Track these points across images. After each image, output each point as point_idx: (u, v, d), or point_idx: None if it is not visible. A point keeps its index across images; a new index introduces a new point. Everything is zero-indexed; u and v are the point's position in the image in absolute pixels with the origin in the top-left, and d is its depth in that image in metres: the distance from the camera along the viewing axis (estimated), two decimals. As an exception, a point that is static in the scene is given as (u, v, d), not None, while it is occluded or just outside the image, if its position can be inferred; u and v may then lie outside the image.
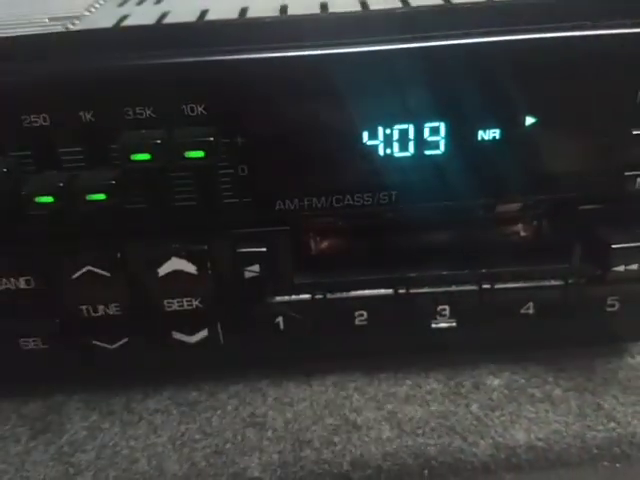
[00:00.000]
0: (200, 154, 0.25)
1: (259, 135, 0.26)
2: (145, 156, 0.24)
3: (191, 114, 0.25)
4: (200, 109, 0.25)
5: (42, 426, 0.32)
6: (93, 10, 0.34)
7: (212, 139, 0.25)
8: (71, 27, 0.30)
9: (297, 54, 0.26)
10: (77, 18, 0.32)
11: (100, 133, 0.25)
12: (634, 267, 0.27)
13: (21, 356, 0.31)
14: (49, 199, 0.25)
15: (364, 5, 0.30)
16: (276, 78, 0.26)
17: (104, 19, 0.31)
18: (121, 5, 0.34)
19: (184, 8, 0.31)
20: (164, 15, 0.30)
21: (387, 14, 0.29)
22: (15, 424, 0.32)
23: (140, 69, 0.25)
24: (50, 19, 0.33)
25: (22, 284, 0.29)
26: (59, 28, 0.31)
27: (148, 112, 0.25)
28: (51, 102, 0.25)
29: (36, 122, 0.25)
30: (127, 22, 0.30)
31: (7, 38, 0.27)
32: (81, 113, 0.25)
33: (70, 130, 0.25)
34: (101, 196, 0.25)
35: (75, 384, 0.34)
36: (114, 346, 0.31)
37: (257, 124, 0.26)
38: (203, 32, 0.27)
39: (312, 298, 0.30)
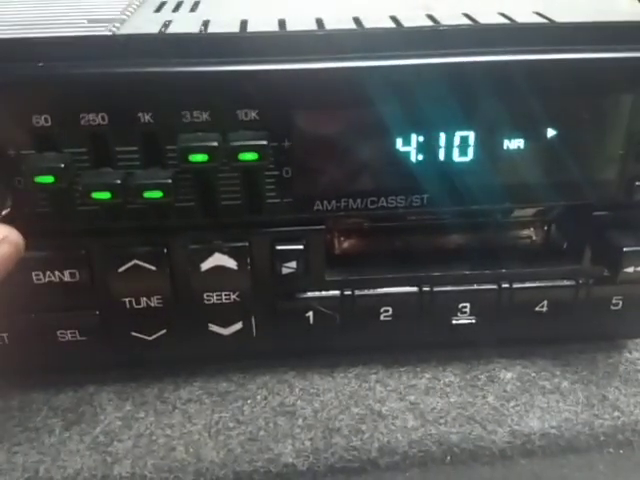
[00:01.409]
0: (254, 156, 0.26)
1: (304, 140, 0.28)
2: (202, 157, 0.26)
3: (245, 119, 0.27)
4: (253, 114, 0.27)
5: (75, 417, 0.33)
6: (129, 14, 0.35)
7: (265, 142, 0.26)
8: (116, 31, 0.31)
9: (338, 66, 0.27)
10: (118, 22, 0.33)
11: (157, 134, 0.27)
12: (643, 269, 0.30)
13: (57, 348, 0.32)
14: (106, 195, 0.26)
15: (396, 21, 0.32)
16: (320, 88, 0.27)
17: (146, 25, 0.32)
18: (157, 11, 0.35)
19: (223, 17, 0.33)
20: (206, 24, 0.31)
21: (418, 31, 0.31)
22: (47, 415, 0.33)
23: (199, 76, 0.26)
24: (89, 21, 0.34)
25: (67, 277, 0.30)
26: (103, 31, 0.32)
27: (205, 116, 0.26)
28: (111, 103, 0.26)
29: (94, 121, 0.26)
30: (171, 29, 0.31)
31: (65, 38, 0.28)
32: (140, 114, 0.26)
33: (128, 130, 0.26)
34: (158, 194, 0.26)
35: (105, 375, 0.35)
36: (152, 337, 0.32)
37: (302, 129, 0.28)
38: (252, 43, 0.28)
39: (341, 294, 0.32)
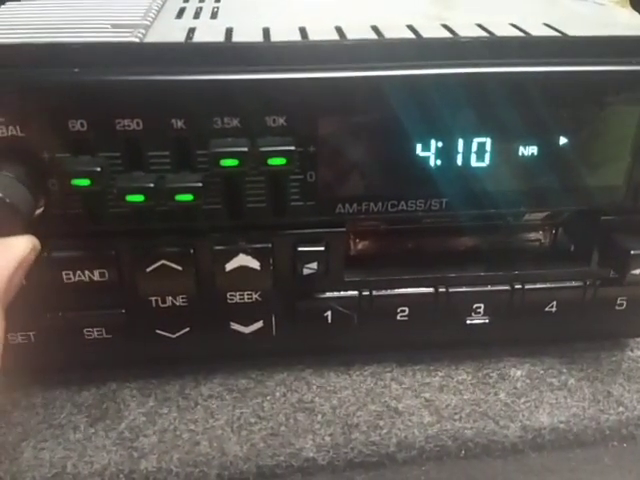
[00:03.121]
0: (282, 161, 0.27)
1: (328, 145, 0.29)
2: (233, 162, 0.27)
3: (273, 125, 0.28)
4: (281, 121, 0.28)
5: (99, 413, 0.34)
6: (150, 19, 0.36)
7: (293, 148, 0.27)
8: (142, 37, 0.32)
9: (361, 75, 0.29)
10: (142, 27, 0.34)
11: (189, 139, 0.28)
12: (649, 270, 0.31)
13: (82, 346, 0.33)
14: (140, 198, 0.27)
15: (414, 31, 0.33)
16: (343, 96, 0.28)
17: (172, 32, 0.33)
18: (178, 17, 0.36)
19: (245, 25, 0.34)
20: (229, 32, 0.32)
21: (438, 42, 0.32)
22: (71, 412, 0.34)
23: (229, 84, 0.27)
24: (113, 26, 0.34)
25: (96, 276, 0.31)
26: (129, 37, 0.32)
27: (235, 122, 0.27)
28: (145, 109, 0.27)
29: (129, 126, 0.27)
30: (197, 37, 0.32)
31: (98, 44, 0.29)
32: (173, 121, 0.27)
33: (161, 135, 0.27)
34: (189, 197, 0.27)
35: (127, 373, 0.35)
36: (176, 335, 0.33)
37: (327, 135, 0.29)
38: (279, 52, 0.29)
39: (359, 294, 0.33)
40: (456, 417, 0.33)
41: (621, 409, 0.34)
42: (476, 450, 0.32)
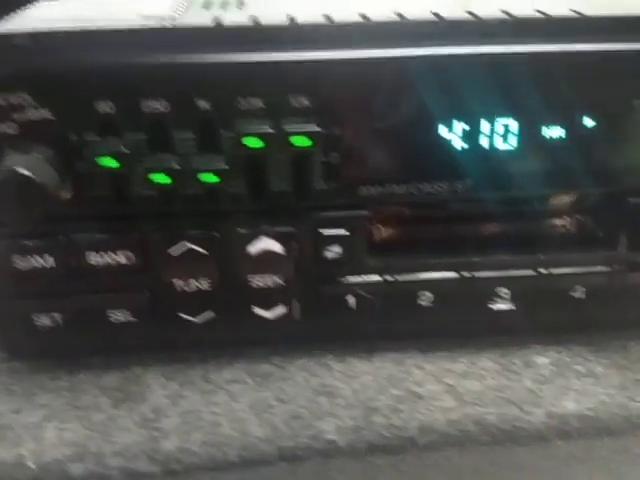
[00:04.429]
0: (306, 142, 0.27)
1: (352, 127, 0.29)
2: (257, 142, 0.27)
3: (297, 106, 0.28)
4: (306, 102, 0.28)
5: (123, 396, 0.34)
6: (180, 12, 0.36)
7: (318, 129, 0.27)
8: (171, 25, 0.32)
9: (384, 55, 0.29)
10: (171, 18, 0.34)
11: (214, 121, 0.28)
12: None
13: (107, 329, 0.33)
14: (165, 179, 0.28)
15: (439, 17, 0.33)
16: (366, 77, 0.28)
17: (200, 20, 0.33)
18: (207, 8, 0.37)
19: (270, 14, 0.34)
20: (256, 20, 0.33)
21: (461, 23, 0.32)
22: (95, 394, 0.34)
23: (254, 65, 0.27)
24: (142, 17, 0.35)
25: (122, 259, 0.31)
26: (158, 24, 0.33)
27: (259, 103, 0.28)
28: (171, 90, 0.27)
29: (156, 108, 0.27)
30: (224, 22, 0.32)
31: (130, 29, 0.29)
32: (198, 102, 0.27)
33: (186, 116, 0.28)
34: (214, 178, 0.28)
35: (151, 357, 0.36)
36: (199, 319, 0.33)
37: (351, 117, 0.29)
38: (303, 33, 0.30)
39: (383, 279, 0.33)
40: (479, 403, 0.33)
41: (650, 397, 0.33)
42: (500, 436, 0.32)
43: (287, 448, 0.31)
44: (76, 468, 0.30)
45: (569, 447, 0.32)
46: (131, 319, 0.33)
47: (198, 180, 0.27)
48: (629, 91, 0.29)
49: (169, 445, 0.31)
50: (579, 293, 0.33)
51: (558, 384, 0.34)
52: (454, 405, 0.33)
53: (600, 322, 0.36)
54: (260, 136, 0.27)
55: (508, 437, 0.32)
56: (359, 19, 0.33)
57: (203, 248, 0.31)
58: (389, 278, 0.33)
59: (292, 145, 0.27)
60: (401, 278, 0.33)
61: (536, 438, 0.32)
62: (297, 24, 0.31)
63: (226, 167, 0.28)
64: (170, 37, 0.30)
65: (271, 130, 0.27)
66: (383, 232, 0.34)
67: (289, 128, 0.27)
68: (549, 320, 0.35)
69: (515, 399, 0.33)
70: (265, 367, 0.35)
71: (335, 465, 0.31)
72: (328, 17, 0.33)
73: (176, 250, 0.30)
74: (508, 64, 0.29)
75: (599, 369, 0.35)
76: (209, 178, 0.28)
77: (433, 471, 0.31)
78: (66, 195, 0.29)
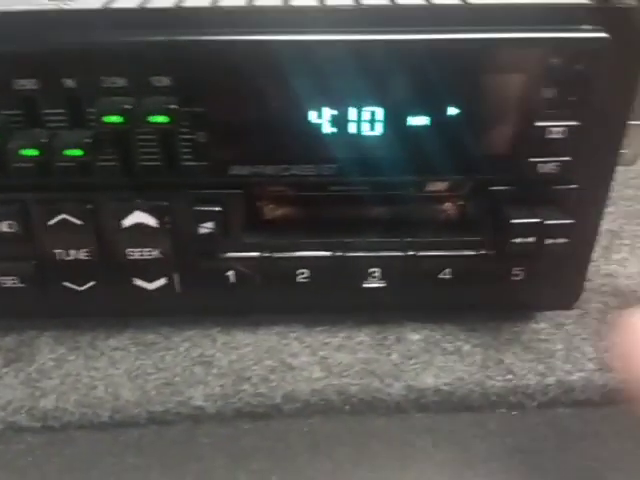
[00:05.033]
0: (165, 119, 0.29)
1: (217, 106, 0.30)
2: (117, 119, 0.29)
3: (158, 85, 0.29)
4: (166, 81, 0.29)
5: (15, 356, 0.36)
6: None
7: (176, 106, 0.29)
8: (64, 7, 0.34)
9: (250, 39, 0.30)
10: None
11: (79, 98, 0.29)
12: (530, 240, 0.32)
13: (1, 294, 0.35)
14: (34, 152, 0.29)
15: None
16: (231, 59, 0.30)
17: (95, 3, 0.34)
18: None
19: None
20: (145, 1, 0.34)
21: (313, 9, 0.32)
22: (-11, 354, 0.36)
23: (117, 45, 0.29)
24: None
25: (5, 228, 0.33)
26: (50, 5, 0.34)
27: (122, 82, 0.29)
28: (38, 69, 0.29)
29: (25, 86, 0.29)
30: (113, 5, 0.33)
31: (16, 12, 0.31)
32: (64, 80, 0.29)
33: (54, 94, 0.29)
34: (78, 152, 0.29)
35: (47, 322, 0.38)
36: (82, 288, 0.35)
37: (216, 97, 0.30)
38: (175, 17, 0.31)
39: (260, 256, 0.35)
40: (345, 374, 0.34)
41: (509, 376, 0.34)
42: (360, 406, 0.33)
43: (157, 412, 0.33)
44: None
45: (427, 420, 0.34)
46: (20, 285, 0.35)
47: (62, 154, 0.29)
48: (488, 78, 0.30)
49: (47, 403, 0.33)
50: (447, 275, 0.35)
51: (422, 359, 0.35)
52: (321, 376, 0.34)
53: (475, 304, 0.37)
54: (119, 112, 0.28)
55: (368, 407, 0.34)
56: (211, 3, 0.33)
57: (78, 219, 0.32)
58: (266, 255, 0.35)
59: (150, 122, 0.29)
60: (278, 255, 0.35)
61: (395, 410, 0.34)
62: (155, 7, 0.32)
63: (90, 141, 0.29)
64: (52, 19, 0.31)
65: (130, 106, 0.29)
66: (261, 211, 0.36)
67: (148, 105, 0.29)
68: (420, 299, 0.37)
69: (379, 372, 0.35)
70: (151, 337, 0.37)
71: (203, 430, 0.33)
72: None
73: (53, 221, 0.32)
74: (375, 53, 0.30)
75: (466, 347, 0.36)
76: (73, 152, 0.29)
77: (295, 435, 0.33)
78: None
